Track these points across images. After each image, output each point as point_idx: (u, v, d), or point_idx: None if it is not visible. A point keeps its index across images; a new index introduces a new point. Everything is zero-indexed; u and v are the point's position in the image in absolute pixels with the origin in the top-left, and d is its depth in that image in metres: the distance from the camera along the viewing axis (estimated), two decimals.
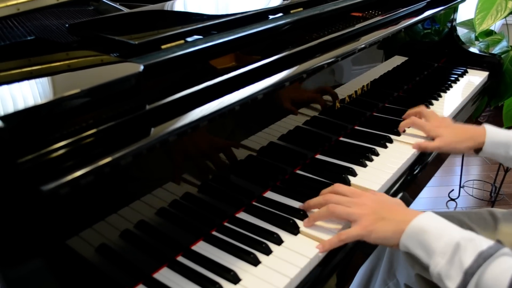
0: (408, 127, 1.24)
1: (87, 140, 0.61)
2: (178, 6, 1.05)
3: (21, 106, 0.54)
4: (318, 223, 0.87)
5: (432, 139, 1.16)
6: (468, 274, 0.69)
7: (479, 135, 1.10)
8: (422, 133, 1.21)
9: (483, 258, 0.69)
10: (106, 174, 0.64)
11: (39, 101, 0.56)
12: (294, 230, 0.86)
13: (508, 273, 0.67)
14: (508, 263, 0.69)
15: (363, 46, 1.17)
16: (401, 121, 1.25)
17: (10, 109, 0.53)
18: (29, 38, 0.92)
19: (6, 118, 0.52)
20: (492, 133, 1.10)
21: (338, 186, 0.91)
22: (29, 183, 0.55)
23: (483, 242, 0.72)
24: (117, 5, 1.05)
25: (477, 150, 1.12)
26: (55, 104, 0.57)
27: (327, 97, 1.13)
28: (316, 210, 0.89)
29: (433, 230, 0.76)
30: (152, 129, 0.69)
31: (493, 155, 1.10)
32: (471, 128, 1.14)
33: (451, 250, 0.72)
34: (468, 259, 0.70)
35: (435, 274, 0.74)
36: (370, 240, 0.82)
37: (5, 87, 0.61)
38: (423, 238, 0.76)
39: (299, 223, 0.87)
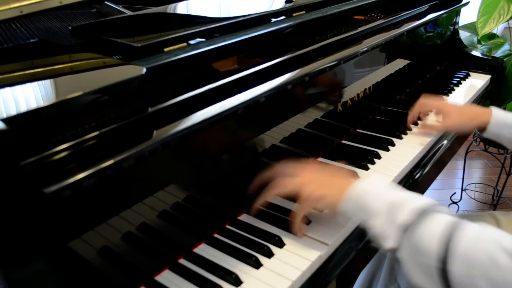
0: (417, 117, 1.28)
1: (89, 143, 0.61)
2: (181, 9, 1.05)
3: (24, 108, 0.55)
4: (321, 226, 0.87)
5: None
6: (403, 231, 0.68)
7: (484, 115, 1.15)
8: (425, 137, 1.22)
9: (418, 214, 0.68)
10: (109, 177, 0.64)
11: (42, 103, 0.57)
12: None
13: (441, 225, 0.66)
14: (442, 217, 0.68)
15: (365, 49, 1.17)
16: (404, 124, 1.26)
17: (13, 111, 0.53)
18: (32, 40, 0.92)
19: (9, 120, 0.52)
20: (498, 114, 1.14)
21: (284, 164, 0.91)
22: (32, 185, 0.55)
23: (421, 200, 0.71)
24: (120, 8, 1.05)
25: (482, 130, 1.16)
26: (58, 106, 0.57)
27: (329, 100, 1.13)
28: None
29: (373, 192, 0.76)
30: (155, 131, 0.69)
31: (498, 136, 1.14)
32: (478, 108, 1.20)
33: (387, 209, 0.72)
34: (403, 216, 0.69)
35: (373, 237, 0.74)
36: (318, 207, 0.84)
37: (8, 89, 0.61)
38: (362, 200, 0.76)
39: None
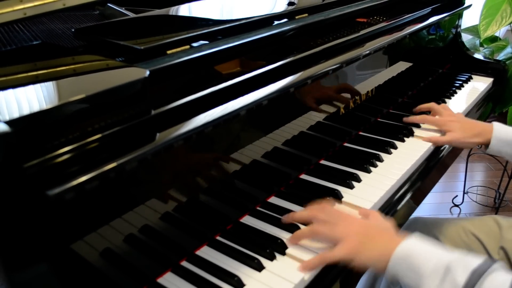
0: (417, 122, 1.29)
1: (93, 145, 0.61)
2: (183, 11, 1.05)
3: (27, 110, 0.55)
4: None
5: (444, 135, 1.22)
6: None
7: (487, 132, 1.15)
8: (428, 141, 1.22)
9: (477, 275, 0.67)
10: (112, 179, 0.64)
11: (46, 105, 0.57)
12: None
13: (504, 286, 0.66)
14: (502, 277, 0.68)
15: (367, 52, 1.17)
16: (406, 127, 1.26)
17: (17, 114, 0.54)
18: (35, 42, 0.92)
19: (13, 122, 0.52)
20: (499, 131, 1.14)
21: (326, 206, 0.87)
22: (35, 187, 0.55)
23: (474, 260, 0.70)
24: (122, 10, 1.06)
25: (486, 145, 1.16)
26: (61, 109, 0.57)
27: (332, 103, 1.13)
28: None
29: (422, 253, 0.73)
30: (158, 134, 0.69)
31: (500, 152, 1.15)
32: (480, 125, 1.20)
33: (442, 272, 0.70)
34: (461, 278, 0.68)
35: None
36: (354, 263, 0.78)
37: (12, 91, 0.62)
38: (411, 262, 0.73)
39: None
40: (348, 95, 1.19)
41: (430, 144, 1.20)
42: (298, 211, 0.89)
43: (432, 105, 1.33)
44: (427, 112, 1.34)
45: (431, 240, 0.77)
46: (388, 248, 0.76)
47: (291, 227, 0.87)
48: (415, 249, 0.74)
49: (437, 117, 1.28)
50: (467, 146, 1.24)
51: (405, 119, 1.30)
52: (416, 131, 1.27)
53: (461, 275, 0.68)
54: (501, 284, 0.67)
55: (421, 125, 1.30)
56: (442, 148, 1.25)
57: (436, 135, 1.24)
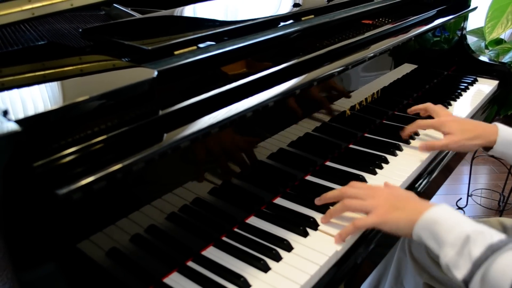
0: (413, 132, 1.23)
1: (100, 145, 0.61)
2: (189, 13, 1.05)
3: (36, 110, 0.55)
4: (333, 222, 0.89)
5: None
6: (476, 265, 0.69)
7: (490, 133, 1.07)
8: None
9: (492, 251, 0.69)
10: (119, 179, 0.64)
11: (54, 105, 0.57)
12: (303, 236, 0.86)
13: None
14: None
15: (373, 54, 1.17)
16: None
17: (26, 113, 0.54)
18: (42, 42, 0.92)
19: (23, 121, 0.52)
20: (504, 132, 1.07)
21: (353, 183, 0.93)
22: (44, 186, 0.55)
23: (494, 236, 0.72)
24: (128, 10, 1.06)
25: (487, 148, 1.09)
26: (70, 109, 0.57)
27: (337, 104, 1.13)
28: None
29: (446, 222, 0.76)
30: (165, 134, 0.69)
31: (504, 155, 1.07)
32: (482, 125, 1.11)
33: (461, 242, 0.72)
34: (477, 251, 0.70)
35: (444, 265, 0.74)
36: (384, 228, 0.83)
37: (20, 90, 0.62)
38: (434, 229, 0.76)
39: (309, 230, 0.87)
40: (353, 97, 1.19)
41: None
42: (329, 192, 0.92)
43: (427, 105, 1.23)
44: (427, 116, 1.24)
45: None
46: (415, 213, 0.80)
47: (297, 227, 0.87)
48: (440, 217, 0.77)
49: (431, 120, 1.18)
50: (467, 149, 1.14)
51: (401, 133, 1.21)
52: (421, 131, 1.27)
53: (478, 248, 0.70)
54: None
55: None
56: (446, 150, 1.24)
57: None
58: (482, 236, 0.71)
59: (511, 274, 0.66)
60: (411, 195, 0.88)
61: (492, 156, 1.22)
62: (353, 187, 0.91)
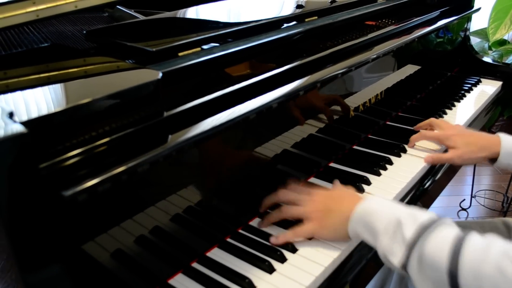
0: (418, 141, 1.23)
1: (105, 147, 0.61)
2: (193, 14, 1.05)
3: (42, 111, 0.55)
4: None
5: (446, 149, 1.16)
6: (410, 247, 0.69)
7: (493, 145, 1.07)
8: (435, 144, 1.21)
9: (423, 229, 0.69)
10: (124, 181, 0.64)
11: (59, 107, 0.57)
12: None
13: (448, 239, 0.67)
14: (447, 231, 0.69)
15: (376, 56, 1.17)
16: (415, 131, 1.25)
17: (31, 115, 0.54)
18: (46, 44, 0.92)
19: (28, 123, 0.52)
20: (507, 143, 1.06)
21: (292, 185, 0.94)
22: (50, 188, 0.55)
23: (423, 215, 0.72)
24: (132, 12, 1.06)
25: (492, 160, 1.09)
26: (75, 110, 0.57)
27: (340, 106, 1.13)
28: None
29: (377, 212, 0.76)
30: (170, 136, 0.69)
31: (510, 166, 1.07)
32: (485, 137, 1.11)
33: (393, 227, 0.72)
34: (409, 233, 0.70)
35: (381, 254, 0.74)
36: (323, 236, 0.84)
37: (25, 92, 0.62)
38: (368, 221, 0.76)
39: None
40: (357, 98, 1.19)
41: (438, 147, 1.19)
42: (267, 198, 0.93)
43: (431, 120, 1.24)
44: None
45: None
46: (348, 211, 0.80)
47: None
48: (371, 208, 0.78)
49: (436, 132, 1.19)
50: (473, 162, 1.15)
51: (409, 144, 1.20)
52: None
53: (409, 230, 0.70)
54: (445, 237, 0.68)
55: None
56: None
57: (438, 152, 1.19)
58: (412, 218, 0.71)
59: (446, 248, 0.66)
60: (346, 193, 0.88)
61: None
62: (292, 190, 0.92)
